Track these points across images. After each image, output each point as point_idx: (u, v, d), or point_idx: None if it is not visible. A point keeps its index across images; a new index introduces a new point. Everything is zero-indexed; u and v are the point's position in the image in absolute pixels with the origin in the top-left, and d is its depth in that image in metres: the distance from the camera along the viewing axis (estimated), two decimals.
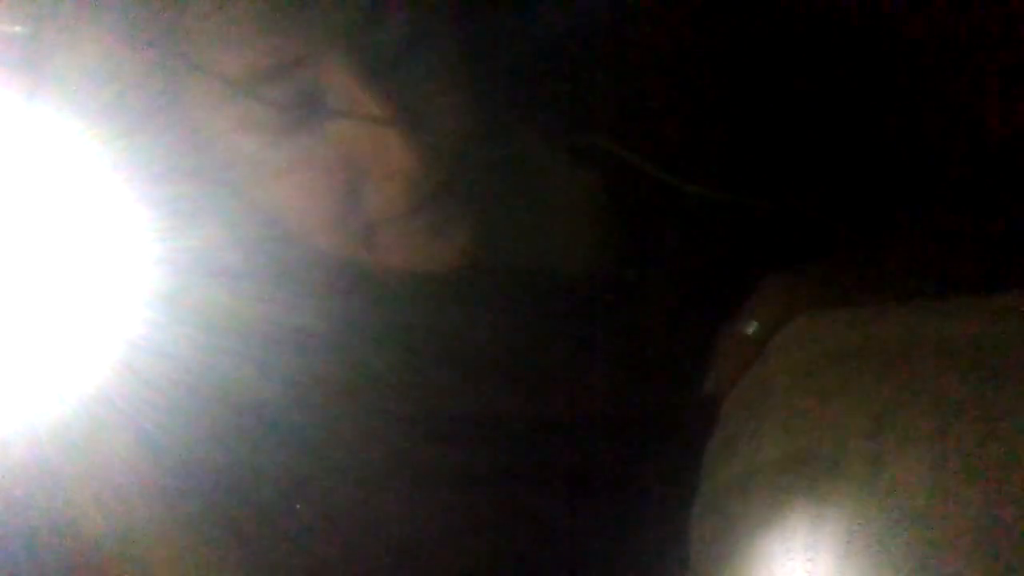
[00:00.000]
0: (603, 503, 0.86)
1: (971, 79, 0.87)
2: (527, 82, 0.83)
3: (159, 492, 0.76)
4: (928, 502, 0.65)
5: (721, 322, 0.86)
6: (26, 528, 0.74)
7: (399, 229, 0.78)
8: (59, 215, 0.72)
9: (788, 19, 0.89)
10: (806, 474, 0.73)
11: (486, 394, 0.85)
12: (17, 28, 0.71)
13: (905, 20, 0.87)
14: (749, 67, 0.89)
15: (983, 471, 0.64)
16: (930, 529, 0.64)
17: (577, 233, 0.90)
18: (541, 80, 0.84)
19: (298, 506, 0.77)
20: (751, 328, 0.84)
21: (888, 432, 0.69)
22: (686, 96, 0.89)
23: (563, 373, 0.87)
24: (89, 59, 0.70)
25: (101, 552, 0.75)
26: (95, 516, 0.75)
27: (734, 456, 0.80)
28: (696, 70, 0.89)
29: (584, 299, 0.89)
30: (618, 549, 0.85)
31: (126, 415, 0.73)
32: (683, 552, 0.79)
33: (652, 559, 0.83)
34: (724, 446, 0.82)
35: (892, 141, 0.89)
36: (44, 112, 0.71)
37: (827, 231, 0.86)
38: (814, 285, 0.84)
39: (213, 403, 0.75)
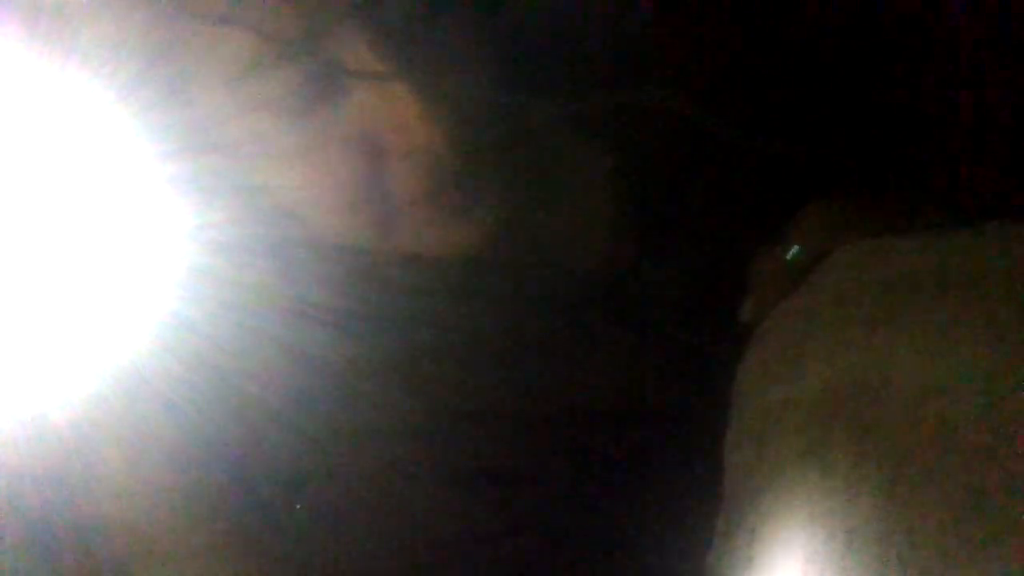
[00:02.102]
0: (607, 500, 0.86)
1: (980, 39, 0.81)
2: (562, 46, 0.78)
3: (184, 459, 0.76)
4: (976, 443, 0.63)
5: (760, 249, 0.82)
6: (63, 497, 0.75)
7: (422, 211, 0.76)
8: (88, 191, 0.72)
9: None
10: (849, 407, 0.71)
11: (496, 387, 0.83)
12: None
13: None
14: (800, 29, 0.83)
15: None
16: (983, 469, 0.62)
17: (588, 221, 0.87)
18: (580, 39, 0.79)
19: (298, 506, 0.78)
20: (791, 253, 0.80)
21: (938, 366, 0.67)
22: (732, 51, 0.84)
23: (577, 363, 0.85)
24: (117, 32, 0.67)
25: (134, 520, 0.75)
26: (129, 486, 0.75)
27: (773, 384, 0.78)
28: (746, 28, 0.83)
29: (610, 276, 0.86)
30: (628, 547, 0.84)
31: (157, 389, 0.74)
32: (699, 544, 0.78)
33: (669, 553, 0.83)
34: (762, 373, 0.80)
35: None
36: (74, 84, 0.69)
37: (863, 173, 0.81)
38: (859, 212, 0.80)
39: (235, 377, 0.75)
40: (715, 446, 0.78)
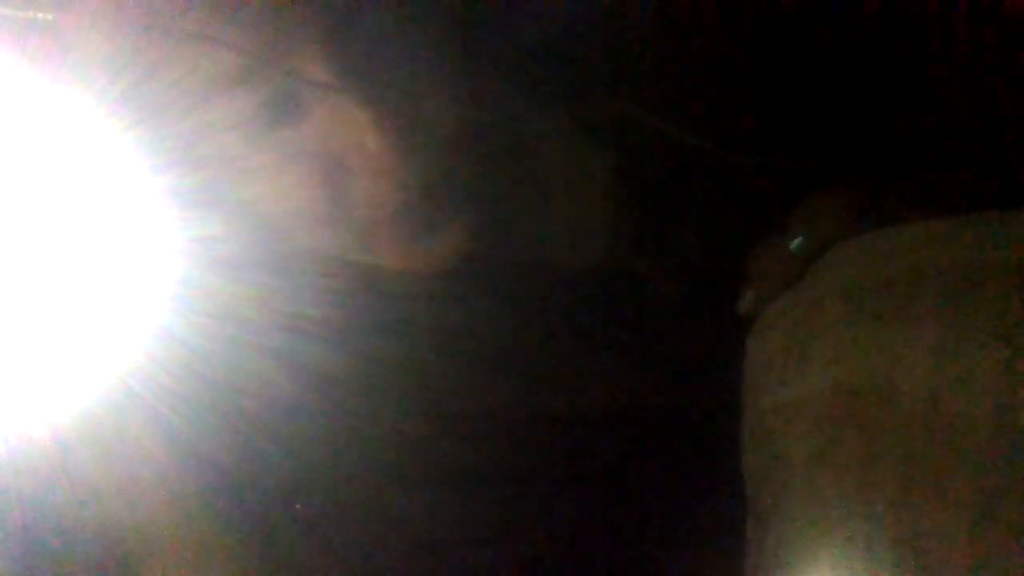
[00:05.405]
0: (607, 502, 0.85)
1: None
2: (536, 59, 0.77)
3: (174, 477, 0.75)
4: (992, 443, 0.61)
5: (762, 240, 0.80)
6: (50, 513, 0.74)
7: (391, 228, 0.75)
8: (76, 204, 0.71)
9: None
10: (857, 408, 0.68)
11: (493, 391, 0.82)
12: (38, 16, 0.68)
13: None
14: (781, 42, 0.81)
15: None
16: (994, 473, 0.60)
17: (582, 219, 0.86)
18: (553, 53, 0.77)
19: (297, 506, 0.77)
20: (795, 243, 0.78)
21: (948, 365, 0.64)
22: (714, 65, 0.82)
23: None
24: (106, 48, 0.67)
25: (122, 538, 0.74)
26: (115, 502, 0.74)
27: (779, 382, 0.75)
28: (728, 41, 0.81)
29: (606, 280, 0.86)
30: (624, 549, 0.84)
31: (144, 402, 0.73)
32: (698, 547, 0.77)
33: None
34: (768, 369, 0.78)
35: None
36: (62, 100, 0.69)
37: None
38: (866, 203, 0.77)
39: (226, 390, 0.74)
40: (733, 448, 0.76)
